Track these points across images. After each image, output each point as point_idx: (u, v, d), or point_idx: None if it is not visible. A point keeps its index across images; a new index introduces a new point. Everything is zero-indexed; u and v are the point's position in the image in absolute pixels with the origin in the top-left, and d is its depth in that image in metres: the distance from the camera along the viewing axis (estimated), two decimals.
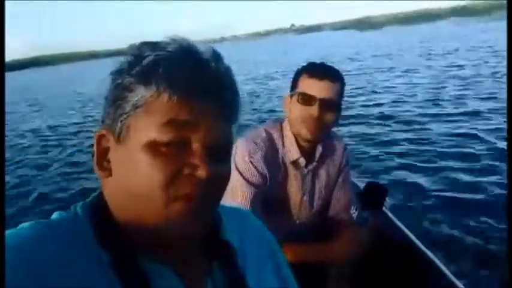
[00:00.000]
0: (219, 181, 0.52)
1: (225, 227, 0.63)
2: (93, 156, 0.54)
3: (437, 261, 1.57)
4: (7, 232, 0.47)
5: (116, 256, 0.50)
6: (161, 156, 0.48)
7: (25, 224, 0.49)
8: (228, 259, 0.61)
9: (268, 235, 0.74)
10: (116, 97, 0.50)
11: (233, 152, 1.25)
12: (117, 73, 0.51)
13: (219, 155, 0.52)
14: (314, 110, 1.28)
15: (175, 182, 0.48)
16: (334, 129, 1.53)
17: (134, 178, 0.49)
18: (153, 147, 0.48)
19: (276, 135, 1.42)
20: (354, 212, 1.30)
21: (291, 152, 1.41)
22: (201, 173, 0.48)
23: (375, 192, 1.37)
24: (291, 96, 1.37)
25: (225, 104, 0.52)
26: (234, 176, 1.32)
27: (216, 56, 0.52)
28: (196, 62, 0.50)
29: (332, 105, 1.31)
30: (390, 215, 1.92)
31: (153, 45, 0.50)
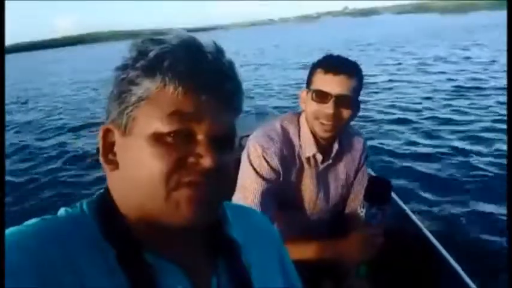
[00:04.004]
0: (223, 171, 0.52)
1: (230, 223, 0.64)
2: (98, 150, 0.55)
3: (448, 255, 1.58)
4: (11, 230, 0.48)
5: (122, 251, 0.51)
6: (165, 146, 0.49)
7: (31, 221, 0.50)
8: (232, 255, 0.61)
9: (274, 234, 0.75)
10: (121, 91, 0.51)
11: (246, 146, 1.36)
12: (122, 68, 0.52)
13: (223, 146, 0.53)
14: (329, 107, 1.23)
15: (179, 170, 0.49)
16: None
17: (139, 168, 0.50)
18: (157, 138, 0.49)
19: (292, 130, 1.38)
20: (362, 211, 1.16)
21: (307, 147, 1.37)
22: (206, 161, 0.49)
23: (378, 187, 1.16)
24: (307, 92, 1.32)
25: (229, 96, 0.53)
26: (247, 170, 1.32)
27: (219, 50, 0.53)
28: (200, 55, 0.51)
29: (348, 102, 1.25)
30: (402, 205, 2.01)
31: (157, 40, 0.51)
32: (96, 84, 14.61)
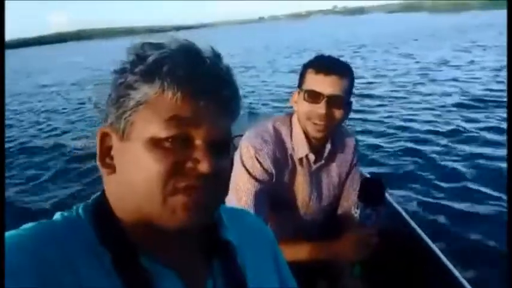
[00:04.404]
0: (220, 176, 0.53)
1: (225, 226, 0.63)
2: (96, 154, 0.55)
3: (442, 255, 1.56)
4: (10, 233, 0.48)
5: (118, 256, 0.51)
6: (163, 151, 0.49)
7: (28, 225, 0.50)
8: (228, 258, 0.61)
9: (268, 235, 0.75)
10: (119, 96, 0.51)
11: (239, 147, 1.35)
12: (120, 72, 0.52)
13: (220, 151, 0.53)
14: (321, 107, 1.23)
15: (176, 175, 0.49)
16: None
17: (136, 173, 0.50)
18: (155, 143, 0.49)
19: (284, 131, 1.37)
20: (356, 211, 1.15)
21: (299, 148, 1.36)
22: (203, 167, 0.49)
23: (372, 188, 1.14)
24: (298, 92, 1.32)
25: (226, 101, 0.53)
26: (240, 171, 1.31)
27: (217, 55, 0.53)
28: (199, 61, 0.51)
29: (340, 102, 1.25)
30: (396, 205, 1.98)
31: (156, 45, 0.52)
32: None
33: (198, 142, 0.50)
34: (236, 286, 0.60)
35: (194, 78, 0.50)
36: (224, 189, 0.57)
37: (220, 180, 0.53)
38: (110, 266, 0.50)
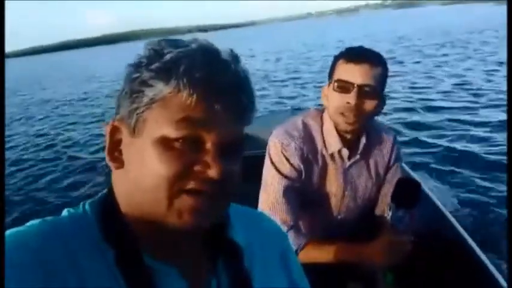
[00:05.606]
0: (227, 182, 0.51)
1: (232, 226, 0.62)
2: (104, 147, 0.54)
3: (489, 263, 1.41)
4: (15, 229, 0.48)
5: (121, 253, 0.51)
6: (172, 151, 0.49)
7: (34, 221, 0.50)
8: (233, 259, 0.61)
9: (280, 238, 0.74)
10: (133, 91, 0.50)
11: (268, 143, 1.33)
12: (135, 67, 0.51)
13: (230, 156, 0.52)
14: (351, 97, 1.17)
15: (184, 177, 0.49)
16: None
17: (143, 171, 0.50)
18: (165, 142, 0.49)
19: (314, 126, 1.33)
20: (388, 213, 1.11)
21: (331, 143, 1.31)
22: (212, 172, 0.49)
23: (406, 189, 1.10)
24: (328, 85, 1.27)
25: (242, 106, 0.52)
26: (268, 167, 1.30)
27: (236, 58, 0.52)
28: (217, 63, 0.50)
29: (372, 92, 1.18)
30: (439, 204, 1.82)
31: (173, 42, 0.51)
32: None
33: (209, 146, 0.49)
34: (241, 287, 0.59)
35: (212, 81, 0.48)
36: (231, 194, 0.55)
37: (226, 186, 0.51)
38: (112, 262, 0.49)
